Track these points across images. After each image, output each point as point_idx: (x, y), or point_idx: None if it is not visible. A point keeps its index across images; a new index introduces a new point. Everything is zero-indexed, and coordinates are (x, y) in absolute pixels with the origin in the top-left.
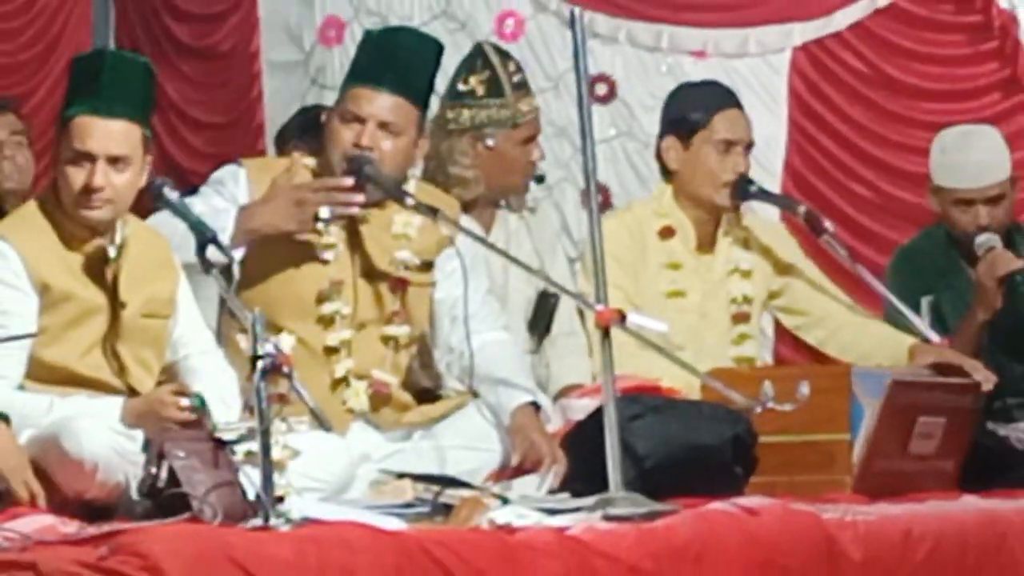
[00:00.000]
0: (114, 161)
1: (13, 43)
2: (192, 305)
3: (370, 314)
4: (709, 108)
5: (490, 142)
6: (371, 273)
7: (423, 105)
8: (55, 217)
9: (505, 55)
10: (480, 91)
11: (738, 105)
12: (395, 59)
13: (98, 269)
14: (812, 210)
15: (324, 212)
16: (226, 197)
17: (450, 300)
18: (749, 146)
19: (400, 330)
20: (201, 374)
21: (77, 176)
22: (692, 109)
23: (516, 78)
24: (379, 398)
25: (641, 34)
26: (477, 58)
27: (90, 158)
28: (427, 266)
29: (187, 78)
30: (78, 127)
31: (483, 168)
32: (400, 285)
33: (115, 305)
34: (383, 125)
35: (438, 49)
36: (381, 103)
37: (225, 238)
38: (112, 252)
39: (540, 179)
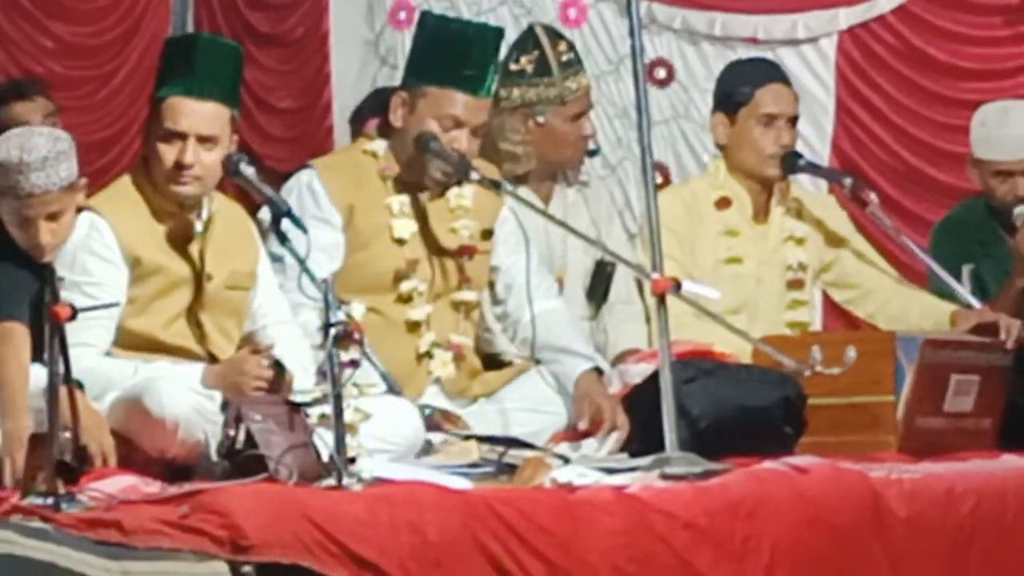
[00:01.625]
0: (204, 140)
1: (96, 25)
2: (271, 277)
3: (443, 285)
4: (752, 83)
5: (540, 119)
6: (440, 247)
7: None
8: (146, 191)
9: (556, 35)
10: (529, 70)
11: (782, 80)
12: (486, 61)
13: (186, 242)
14: (858, 181)
15: (395, 204)
16: (321, 220)
17: (505, 267)
18: (794, 119)
19: (469, 295)
20: (279, 342)
21: (169, 153)
22: (737, 85)
23: (565, 57)
24: (457, 360)
25: (696, 21)
26: (528, 39)
27: (182, 137)
28: (487, 234)
29: (261, 65)
30: (171, 107)
31: (535, 144)
32: (467, 252)
33: (200, 277)
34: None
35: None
36: (469, 104)
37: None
38: (199, 227)
39: (593, 153)
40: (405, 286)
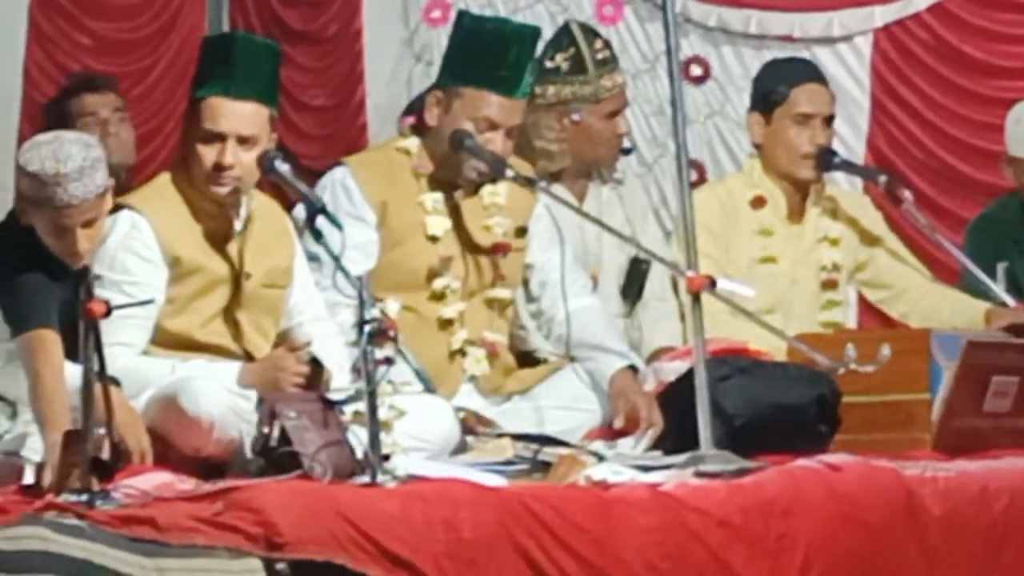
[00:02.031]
0: (243, 140)
1: (132, 21)
2: (307, 274)
3: (476, 283)
4: (788, 83)
5: (575, 116)
6: (474, 245)
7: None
8: (185, 191)
9: (592, 33)
10: (565, 68)
11: (818, 79)
12: (521, 63)
13: (224, 242)
14: (892, 179)
15: (428, 201)
16: (355, 217)
17: (539, 264)
18: (830, 119)
19: (503, 293)
20: (315, 339)
21: (208, 154)
22: (773, 84)
23: (600, 55)
24: (491, 357)
25: (731, 19)
26: (564, 36)
27: (220, 138)
28: (522, 231)
29: (294, 62)
30: (209, 108)
31: (570, 141)
32: (501, 250)
33: (239, 276)
34: (508, 132)
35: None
36: (504, 106)
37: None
38: (238, 226)
39: (627, 151)
40: (438, 283)
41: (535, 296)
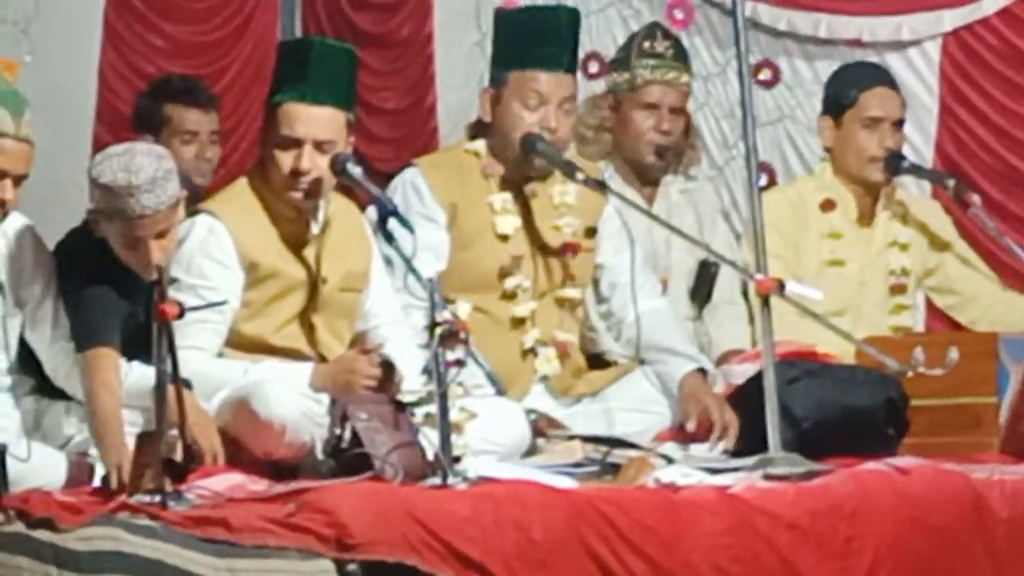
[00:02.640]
0: (320, 145)
1: (206, 24)
2: (384, 277)
3: (547, 283)
4: (858, 87)
5: (614, 103)
6: (543, 244)
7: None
8: (263, 195)
9: (660, 32)
10: (619, 58)
11: (888, 83)
12: (560, 39)
13: (302, 246)
14: (961, 183)
15: (497, 201)
16: (426, 217)
17: (609, 265)
18: (899, 123)
19: (573, 292)
20: (389, 342)
21: (285, 160)
22: (843, 89)
23: (652, 47)
24: (561, 357)
25: (801, 23)
26: (636, 32)
27: (297, 143)
28: (591, 232)
29: (366, 65)
30: (286, 113)
31: (613, 132)
32: (571, 249)
33: (315, 280)
34: (562, 107)
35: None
36: (550, 80)
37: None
38: (316, 230)
39: (661, 153)
40: (509, 283)
41: (605, 297)
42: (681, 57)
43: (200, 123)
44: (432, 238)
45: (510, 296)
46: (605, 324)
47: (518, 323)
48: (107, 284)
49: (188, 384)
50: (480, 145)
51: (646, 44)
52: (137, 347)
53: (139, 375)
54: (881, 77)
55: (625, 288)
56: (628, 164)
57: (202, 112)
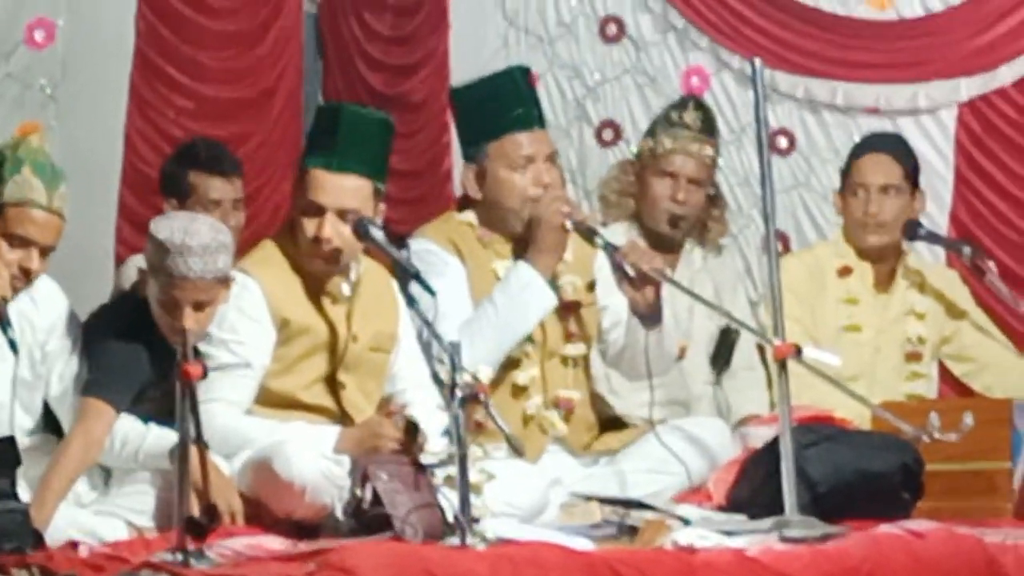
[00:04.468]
0: (343, 214)
1: (232, 86)
2: (412, 339)
3: (553, 343)
4: (854, 156)
5: (638, 169)
6: None
7: None
8: (292, 254)
9: (692, 104)
10: (650, 126)
11: (881, 148)
12: (524, 98)
13: (333, 304)
14: (977, 249)
15: (500, 269)
16: (447, 267)
17: (610, 304)
18: (888, 188)
19: (577, 349)
20: (415, 405)
21: (309, 226)
22: (847, 159)
23: (680, 117)
24: (567, 415)
25: (818, 90)
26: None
27: (321, 210)
28: (591, 286)
29: None
30: (312, 179)
31: (636, 198)
32: (573, 307)
33: (346, 339)
34: (547, 158)
35: None
36: (530, 138)
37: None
38: (347, 290)
39: (675, 222)
40: (514, 351)
41: (606, 330)
42: (707, 130)
43: (223, 191)
44: (458, 285)
45: (514, 364)
46: (605, 356)
47: (520, 391)
48: (135, 346)
49: (204, 443)
50: (471, 216)
51: (674, 114)
52: (160, 416)
53: (157, 436)
54: (875, 144)
55: (624, 324)
56: (644, 231)
57: (225, 180)
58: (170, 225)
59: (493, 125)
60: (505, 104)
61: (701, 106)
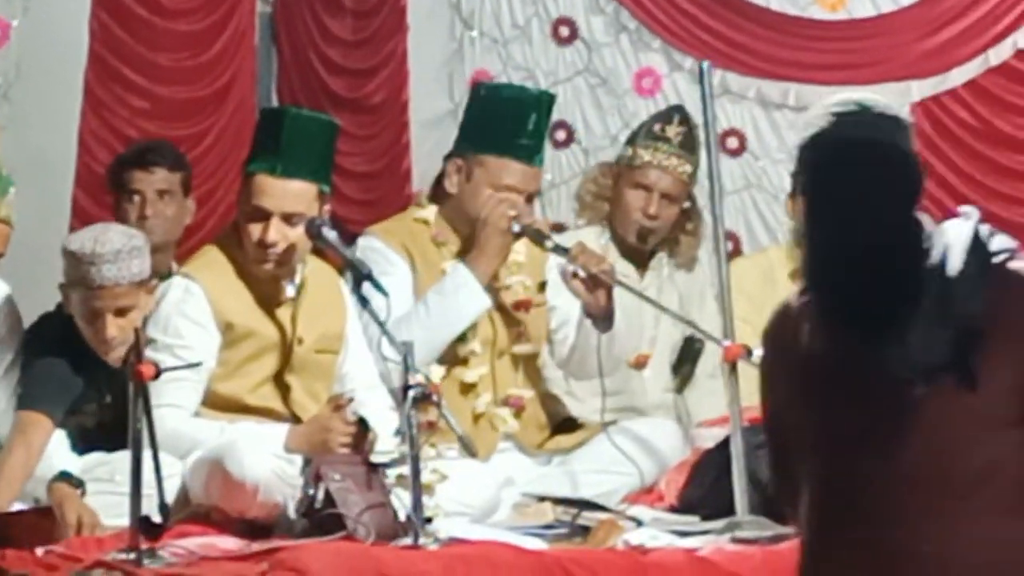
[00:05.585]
0: (288, 218)
1: (186, 86)
2: (361, 340)
3: (504, 342)
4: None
5: (615, 175)
6: (499, 305)
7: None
8: (237, 257)
9: (677, 116)
10: (632, 133)
11: None
12: (538, 132)
13: (277, 307)
14: None
15: (449, 268)
16: (393, 264)
17: (559, 305)
18: None
19: (525, 348)
20: (365, 405)
21: (254, 231)
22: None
23: (657, 128)
24: (517, 413)
25: (770, 91)
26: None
27: (266, 215)
28: (543, 286)
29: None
30: (256, 184)
31: (611, 203)
32: (524, 306)
33: (291, 341)
34: (530, 196)
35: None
36: (526, 173)
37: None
38: (291, 292)
39: (643, 236)
40: (462, 349)
41: (553, 330)
42: (688, 146)
43: (143, 182)
44: (402, 282)
45: (463, 362)
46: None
47: (468, 388)
48: (66, 359)
49: (80, 483)
50: (430, 213)
51: (657, 126)
52: (100, 429)
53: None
54: None
55: (575, 320)
56: (616, 237)
57: (146, 172)
58: (80, 237)
59: (497, 141)
60: (519, 128)
61: (686, 120)
